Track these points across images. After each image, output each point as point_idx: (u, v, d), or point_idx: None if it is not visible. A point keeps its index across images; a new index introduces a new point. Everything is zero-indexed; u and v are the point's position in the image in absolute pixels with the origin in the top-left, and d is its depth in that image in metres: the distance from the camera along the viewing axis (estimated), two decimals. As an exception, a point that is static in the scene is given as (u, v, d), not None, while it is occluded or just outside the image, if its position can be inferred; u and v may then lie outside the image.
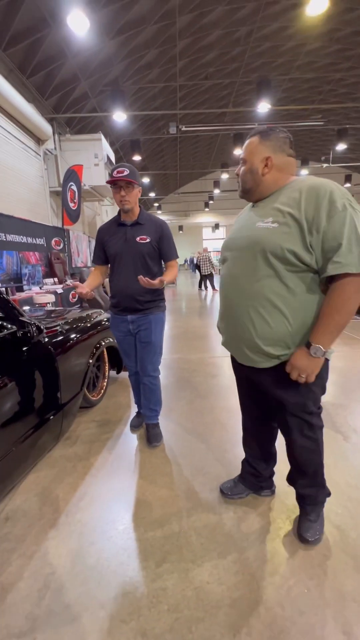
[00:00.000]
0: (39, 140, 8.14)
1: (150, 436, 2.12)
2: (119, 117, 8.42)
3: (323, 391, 1.20)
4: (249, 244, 1.08)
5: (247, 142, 1.14)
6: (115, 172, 1.76)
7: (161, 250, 1.93)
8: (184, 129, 10.46)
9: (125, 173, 1.74)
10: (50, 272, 7.70)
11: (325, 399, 2.60)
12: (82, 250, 9.31)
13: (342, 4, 8.82)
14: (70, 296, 6.59)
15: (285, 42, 10.53)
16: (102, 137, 9.06)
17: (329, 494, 1.38)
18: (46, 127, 7.88)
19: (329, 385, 2.89)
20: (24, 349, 1.69)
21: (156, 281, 1.69)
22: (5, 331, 1.67)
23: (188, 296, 10.33)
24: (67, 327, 2.30)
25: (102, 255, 1.99)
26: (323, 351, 1.01)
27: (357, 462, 1.83)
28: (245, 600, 1.13)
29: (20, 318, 1.71)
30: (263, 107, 8.70)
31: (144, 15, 7.73)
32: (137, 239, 1.85)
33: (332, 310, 0.98)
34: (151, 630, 1.05)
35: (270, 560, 1.27)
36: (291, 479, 1.40)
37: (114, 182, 1.78)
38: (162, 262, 1.99)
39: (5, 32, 6.16)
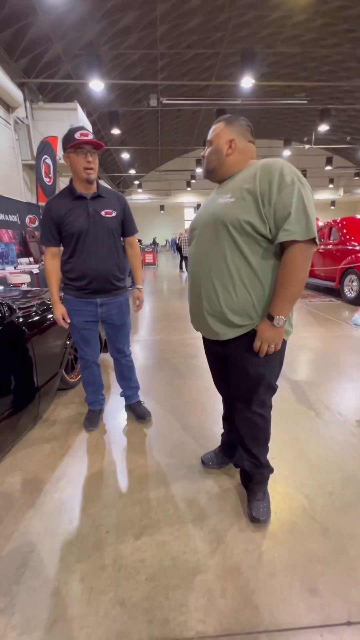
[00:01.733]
0: (8, 108, 7.56)
1: (141, 412, 2.14)
2: (96, 85, 7.91)
3: (280, 365, 1.27)
4: (211, 219, 1.15)
5: (213, 127, 1.22)
6: (78, 134, 1.55)
7: (124, 225, 1.82)
8: (165, 101, 9.99)
9: (91, 136, 1.57)
10: (25, 251, 7.38)
11: (299, 377, 2.70)
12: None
13: (329, -26, 8.50)
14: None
15: (271, 12, 10.11)
16: (78, 106, 8.52)
17: (271, 471, 1.45)
18: (16, 93, 7.31)
19: (304, 364, 3.01)
20: (-4, 330, 1.62)
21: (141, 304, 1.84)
22: (-26, 311, 1.60)
23: (169, 278, 10.24)
24: (43, 307, 2.22)
25: (56, 235, 1.71)
26: (284, 320, 1.11)
27: (327, 436, 1.92)
28: (219, 566, 1.18)
29: (-10, 298, 1.62)
30: (247, 82, 8.43)
31: (122, -29, 7.15)
32: (103, 212, 1.70)
33: (285, 281, 1.07)
34: (129, 599, 1.09)
35: (245, 528, 1.33)
36: (239, 459, 1.46)
37: (78, 146, 1.56)
38: (122, 238, 1.89)
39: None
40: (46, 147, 7.51)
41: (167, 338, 3.91)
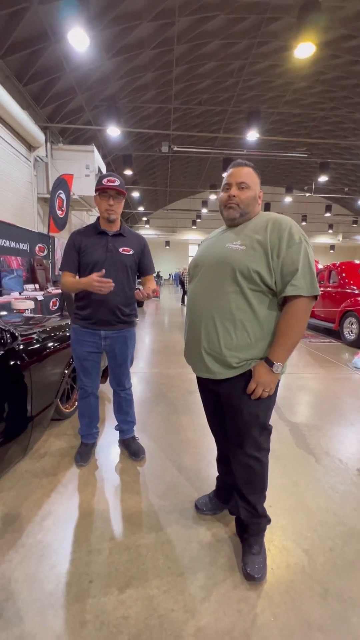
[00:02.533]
0: (30, 147, 8.14)
1: (135, 450, 2.08)
2: (113, 131, 8.59)
3: (273, 403, 1.26)
4: (219, 262, 1.18)
5: (243, 168, 1.20)
6: (105, 180, 1.72)
7: (141, 264, 1.92)
8: (175, 149, 10.77)
9: (117, 183, 1.72)
10: (32, 278, 7.54)
11: (298, 420, 2.64)
12: (67, 258, 9.19)
13: (328, 51, 9.55)
14: (51, 304, 6.46)
15: (275, 78, 11.22)
16: (95, 149, 9.17)
17: (269, 521, 1.37)
18: (39, 135, 7.91)
19: (303, 406, 2.96)
20: (-4, 356, 1.63)
21: (149, 291, 1.69)
22: (-22, 336, 1.61)
23: (170, 311, 10.36)
24: (44, 335, 2.23)
25: (76, 263, 1.80)
26: (282, 367, 1.14)
27: (327, 484, 1.84)
28: (210, 629, 1.08)
29: (-6, 324, 1.65)
30: (252, 135, 9.16)
31: (143, 40, 8.05)
32: (121, 249, 1.81)
33: (288, 331, 1.12)
34: (109, 664, 0.99)
35: (239, 585, 1.24)
36: (234, 507, 1.39)
37: (103, 190, 1.73)
38: (139, 276, 1.97)
39: (5, 40, 6.22)
40: (62, 183, 7.98)
41: (166, 372, 3.88)
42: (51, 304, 6.51)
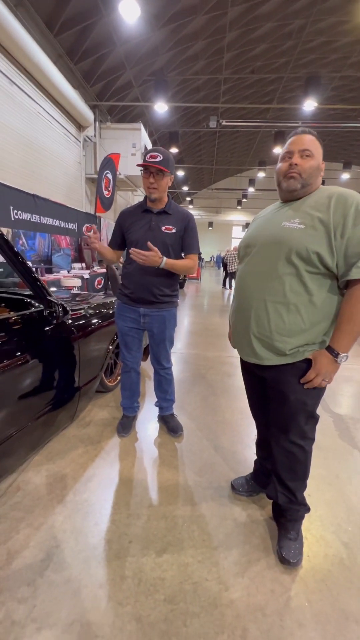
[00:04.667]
0: (80, 127, 8.28)
1: (174, 426, 2.14)
2: (161, 107, 8.40)
3: (323, 392, 1.20)
4: (274, 242, 1.10)
5: (306, 136, 1.10)
6: (148, 155, 1.66)
7: (184, 242, 1.85)
8: (224, 123, 10.26)
9: (158, 159, 1.65)
10: (79, 257, 7.87)
11: (343, 412, 2.51)
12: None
13: None
14: (96, 282, 6.72)
15: (341, 37, 10.03)
16: (142, 127, 9.09)
17: (308, 510, 1.33)
18: (88, 114, 7.99)
19: (349, 398, 2.80)
20: (49, 327, 1.74)
21: (146, 253, 1.60)
22: (33, 309, 1.73)
23: (211, 293, 10.25)
24: (90, 311, 2.34)
25: (119, 241, 1.88)
26: (347, 357, 1.07)
27: (373, 480, 1.75)
28: (242, 603, 1.11)
29: (48, 297, 1.75)
30: (309, 105, 8.39)
31: (196, 4, 7.60)
32: (163, 228, 1.78)
33: (352, 317, 1.03)
34: (146, 617, 1.06)
35: (273, 567, 1.24)
36: (272, 491, 1.36)
37: (144, 167, 1.68)
38: (183, 255, 1.90)
39: (58, 18, 6.25)
40: (109, 163, 8.06)
41: (205, 354, 3.89)
42: (96, 282, 6.77)
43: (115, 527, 1.39)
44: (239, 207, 26.07)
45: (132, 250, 1.63)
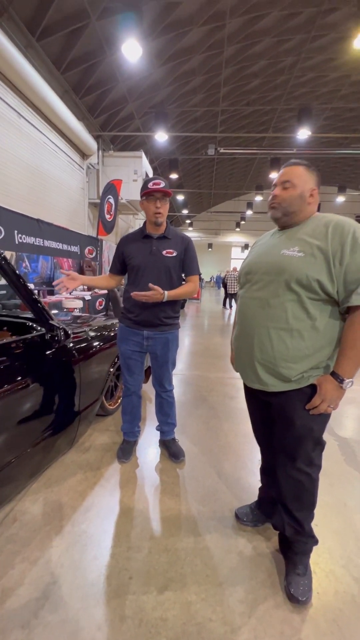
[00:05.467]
0: (83, 155, 8.64)
1: (175, 451, 2.09)
2: (161, 137, 8.78)
3: (329, 417, 1.18)
4: (275, 270, 1.12)
5: (291, 168, 1.15)
6: (151, 183, 1.74)
7: (184, 264, 1.89)
8: (222, 151, 10.71)
9: (162, 185, 1.74)
10: (80, 279, 7.98)
11: (348, 435, 2.46)
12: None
13: (390, 38, 8.85)
14: (97, 303, 6.78)
15: (330, 72, 10.66)
16: (143, 154, 9.47)
17: (316, 542, 1.28)
18: (92, 144, 8.36)
19: (354, 420, 2.75)
20: (50, 351, 1.74)
21: (148, 293, 1.67)
22: (35, 332, 1.74)
23: (211, 313, 10.30)
24: (91, 334, 2.34)
25: (119, 266, 1.93)
26: (352, 383, 1.06)
27: (382, 509, 1.69)
28: (249, 646, 1.04)
29: (49, 321, 1.76)
30: (303, 133, 8.78)
31: (194, 45, 8.14)
32: (164, 252, 1.83)
33: (355, 343, 1.03)
34: (147, 663, 0.99)
35: (281, 605, 1.18)
36: (279, 522, 1.31)
37: (149, 194, 1.75)
38: (183, 276, 1.95)
39: (65, 57, 6.69)
40: (111, 188, 8.35)
41: (206, 375, 3.86)
42: (97, 303, 6.83)
43: (114, 561, 1.33)
44: (237, 229, 26.67)
45: (134, 294, 1.71)
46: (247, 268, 1.26)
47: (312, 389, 1.11)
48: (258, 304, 1.16)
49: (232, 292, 10.97)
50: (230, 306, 11.35)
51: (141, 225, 1.93)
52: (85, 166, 8.78)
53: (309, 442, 1.16)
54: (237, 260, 30.59)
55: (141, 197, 1.81)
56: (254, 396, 1.34)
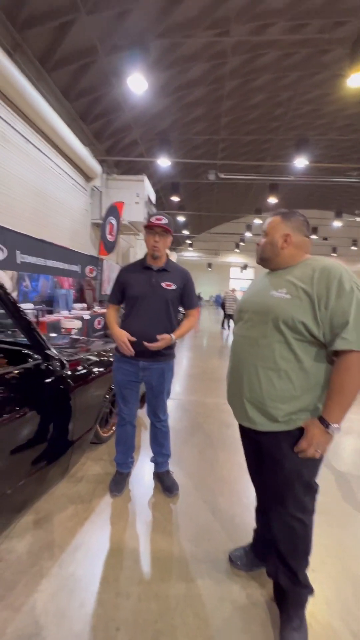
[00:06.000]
0: (88, 178, 8.90)
1: (169, 485, 2.05)
2: (164, 162, 9.09)
3: (321, 460, 1.16)
4: (263, 310, 1.15)
5: (269, 219, 1.25)
6: (154, 218, 1.81)
7: (183, 298, 1.94)
8: (222, 176, 11.07)
9: (163, 221, 1.80)
10: (80, 298, 8.03)
11: (345, 469, 2.42)
12: (113, 278, 9.71)
13: (383, 77, 9.36)
14: (96, 322, 6.79)
15: (326, 106, 11.19)
16: (146, 178, 9.76)
17: (311, 592, 1.23)
18: (97, 168, 8.63)
19: (351, 452, 2.71)
20: (46, 381, 1.73)
21: (160, 343, 1.75)
22: (31, 361, 1.73)
23: (210, 334, 10.30)
24: (89, 360, 2.34)
25: (119, 296, 1.96)
26: (339, 429, 1.06)
27: (381, 553, 1.63)
28: None
29: (46, 351, 1.76)
30: (300, 162, 9.12)
31: (197, 79, 8.57)
32: (163, 284, 1.86)
33: (342, 388, 1.04)
34: None
35: (275, 664, 1.12)
36: (272, 569, 1.27)
37: (150, 227, 1.82)
38: (182, 310, 2.00)
39: (75, 88, 7.02)
40: (113, 210, 8.57)
41: (203, 400, 3.82)
42: (96, 322, 6.84)
43: (102, 610, 1.27)
44: (237, 250, 27.12)
45: (147, 345, 1.76)
46: (240, 306, 1.31)
47: (301, 432, 1.11)
48: (248, 342, 1.19)
49: (231, 312, 11.03)
50: (229, 326, 11.37)
51: (142, 257, 1.98)
52: (89, 188, 9.02)
53: (299, 486, 1.14)
54: (236, 279, 30.94)
55: (144, 228, 1.88)
56: (246, 434, 1.34)
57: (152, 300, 1.85)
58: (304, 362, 1.08)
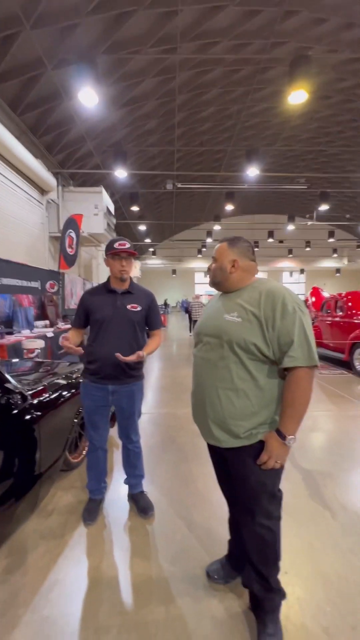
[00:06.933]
0: (43, 191, 8.64)
1: (144, 506, 2.03)
2: (120, 174, 9.09)
3: (281, 470, 1.24)
4: (217, 333, 1.22)
5: (218, 245, 1.33)
6: (117, 244, 1.82)
7: (148, 319, 1.97)
8: (179, 186, 11.30)
9: (127, 246, 1.83)
10: (42, 314, 7.72)
11: (311, 467, 2.55)
12: (76, 292, 9.46)
13: (320, 92, 10.16)
14: (61, 339, 6.56)
15: (272, 118, 11.89)
16: (103, 190, 9.68)
17: (283, 596, 1.31)
18: (51, 180, 8.41)
19: (316, 450, 2.87)
20: (6, 417, 1.66)
21: (133, 356, 1.74)
22: (-11, 398, 1.65)
23: (178, 341, 10.38)
24: (54, 385, 2.27)
25: (83, 320, 1.95)
26: (295, 439, 1.14)
27: (346, 546, 1.75)
28: None
29: (5, 384, 1.69)
30: (252, 172, 9.58)
31: (147, 93, 8.72)
32: (129, 306, 1.88)
33: (294, 402, 1.12)
34: None
35: (254, 673, 1.16)
36: (247, 579, 1.33)
37: (115, 253, 1.83)
38: (147, 329, 2.02)
39: (22, 100, 6.83)
40: (72, 223, 8.38)
41: (174, 412, 3.84)
42: (61, 339, 6.61)
43: (80, 650, 1.24)
44: (199, 256, 27.68)
45: (118, 356, 1.71)
46: (198, 329, 1.36)
47: (262, 445, 1.18)
48: (207, 364, 1.25)
49: (197, 318, 11.21)
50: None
51: (105, 281, 1.98)
52: (44, 202, 8.76)
53: (264, 496, 1.21)
54: (200, 284, 31.52)
55: (106, 254, 1.88)
56: (213, 451, 1.39)
57: (118, 322, 1.86)
58: (259, 380, 1.16)
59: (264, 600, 1.26)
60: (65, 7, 5.50)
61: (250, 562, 1.28)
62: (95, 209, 9.53)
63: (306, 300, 8.86)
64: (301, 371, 1.10)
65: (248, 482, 1.20)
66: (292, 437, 1.12)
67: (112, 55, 6.80)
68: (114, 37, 6.37)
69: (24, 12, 5.17)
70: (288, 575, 1.53)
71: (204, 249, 25.73)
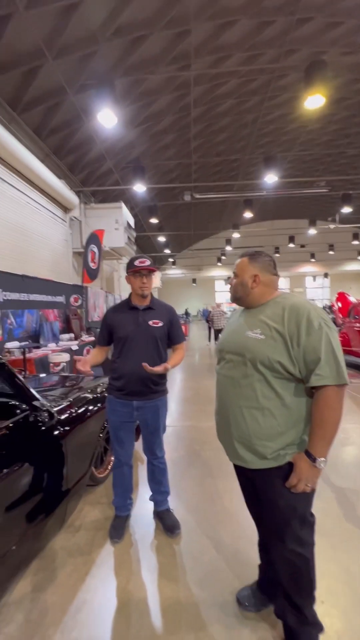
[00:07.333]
0: (66, 209, 9.01)
1: (170, 525, 1.99)
2: (139, 188, 9.33)
3: (313, 493, 1.17)
4: (240, 351, 1.19)
5: (238, 261, 1.31)
6: (137, 261, 1.86)
7: (170, 334, 1.97)
8: (197, 197, 11.41)
9: (147, 263, 1.86)
10: (67, 328, 7.97)
11: (345, 484, 2.42)
12: (99, 305, 9.70)
13: (337, 94, 10.01)
14: (85, 352, 6.71)
15: (288, 124, 11.83)
16: (123, 205, 9.96)
17: (321, 629, 1.22)
18: (73, 199, 8.77)
19: (350, 466, 2.72)
20: (34, 434, 1.70)
21: (160, 367, 1.73)
22: (18, 415, 1.70)
23: (200, 350, 10.32)
24: (80, 400, 2.30)
25: (107, 338, 1.98)
26: (326, 462, 1.08)
27: (387, 573, 1.63)
28: None
29: (33, 402, 1.74)
30: (270, 178, 9.52)
31: (163, 109, 8.96)
32: (150, 322, 1.90)
33: (323, 423, 1.07)
34: None
35: None
36: (280, 609, 1.26)
37: (136, 271, 1.87)
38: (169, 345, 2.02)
39: (46, 126, 7.22)
40: (94, 238, 8.66)
41: (198, 424, 3.79)
42: (85, 352, 6.76)
43: None
44: (219, 264, 27.63)
45: (145, 367, 1.70)
46: (221, 346, 1.34)
47: (291, 466, 1.13)
48: (230, 382, 1.22)
49: (218, 328, 11.11)
50: (217, 340, 11.42)
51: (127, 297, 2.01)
52: (68, 219, 9.12)
53: (295, 521, 1.15)
54: (221, 292, 31.38)
55: (127, 272, 1.91)
56: (240, 471, 1.34)
57: (141, 339, 1.88)
58: (285, 398, 1.11)
59: (300, 634, 1.19)
60: (84, 36, 5.81)
61: (283, 591, 1.21)
62: (115, 223, 9.81)
63: (332, 306, 8.57)
64: (330, 390, 1.05)
65: (277, 506, 1.15)
66: (323, 459, 1.07)
67: (129, 77, 7.08)
68: (130, 60, 6.63)
69: (46, 45, 5.50)
70: (325, 606, 1.44)
71: (223, 257, 25.69)
